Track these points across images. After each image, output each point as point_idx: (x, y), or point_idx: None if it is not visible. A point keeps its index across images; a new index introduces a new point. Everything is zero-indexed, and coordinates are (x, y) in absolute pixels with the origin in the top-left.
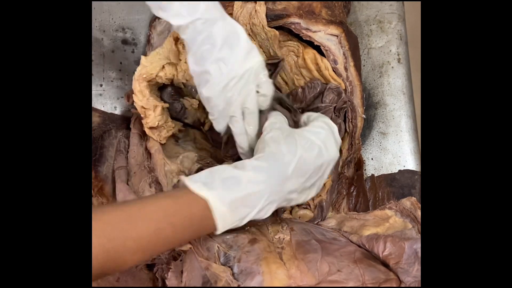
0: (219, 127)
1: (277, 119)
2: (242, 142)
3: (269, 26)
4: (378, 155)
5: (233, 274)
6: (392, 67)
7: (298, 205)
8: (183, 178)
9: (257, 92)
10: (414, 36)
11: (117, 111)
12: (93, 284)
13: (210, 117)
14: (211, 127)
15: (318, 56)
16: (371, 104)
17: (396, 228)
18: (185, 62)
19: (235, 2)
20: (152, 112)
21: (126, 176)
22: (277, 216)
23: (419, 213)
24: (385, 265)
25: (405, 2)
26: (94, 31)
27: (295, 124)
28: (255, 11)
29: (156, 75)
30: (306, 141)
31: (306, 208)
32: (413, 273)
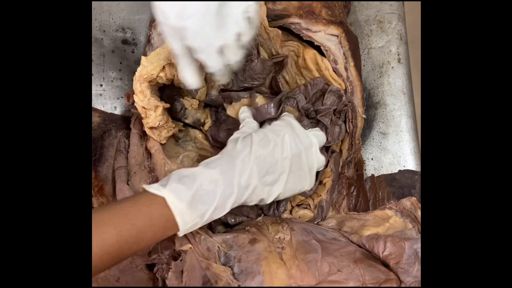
0: (212, 63)
1: (244, 129)
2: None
3: (270, 26)
4: (378, 155)
5: (233, 274)
6: (392, 67)
7: (298, 205)
8: (143, 185)
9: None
10: (414, 36)
11: (117, 111)
12: (94, 284)
13: (198, 55)
14: (211, 127)
15: (318, 56)
16: (371, 104)
17: (396, 228)
18: None
19: None
20: (153, 112)
21: (126, 176)
22: (277, 216)
23: (419, 213)
24: (385, 265)
25: (405, 2)
26: (94, 31)
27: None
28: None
29: (157, 76)
30: (262, 137)
31: (306, 208)
32: (413, 273)
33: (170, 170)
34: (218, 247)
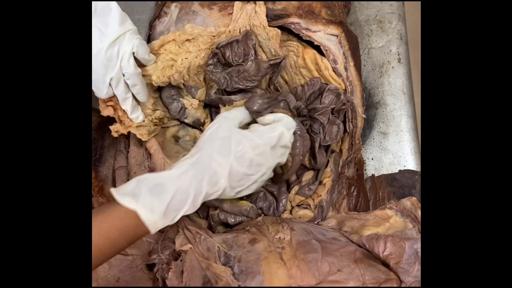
0: (100, 93)
1: (231, 114)
2: (127, 106)
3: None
4: (378, 155)
5: (233, 274)
6: (393, 67)
7: (298, 205)
8: (112, 190)
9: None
10: (414, 36)
11: None
12: (94, 284)
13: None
14: None
15: (318, 56)
16: (371, 104)
17: (396, 228)
18: (181, 64)
19: (235, 3)
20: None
21: (126, 176)
22: (277, 216)
23: (419, 213)
24: (386, 265)
25: (405, 2)
26: None
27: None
28: (255, 12)
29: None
30: (241, 147)
31: (306, 208)
32: (413, 273)
33: None
34: (218, 247)
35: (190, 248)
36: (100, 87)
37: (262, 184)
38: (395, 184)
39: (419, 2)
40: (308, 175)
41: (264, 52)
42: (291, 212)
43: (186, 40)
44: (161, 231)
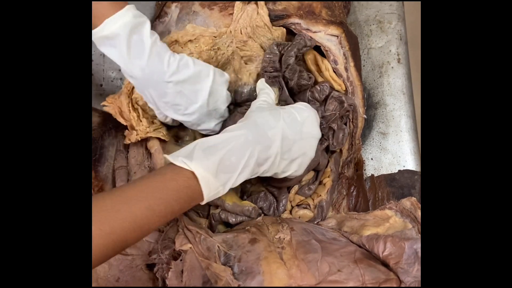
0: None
1: (265, 97)
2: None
3: None
4: (378, 155)
5: (233, 274)
6: (392, 67)
7: (298, 205)
8: (166, 156)
9: None
10: (414, 36)
11: None
12: (93, 284)
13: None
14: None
15: (318, 57)
16: (371, 104)
17: (396, 228)
18: None
19: (236, 3)
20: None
21: (126, 176)
22: (277, 216)
23: (419, 213)
24: (385, 265)
25: (405, 2)
26: None
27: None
28: (257, 13)
29: None
30: (289, 115)
31: (306, 208)
32: (413, 273)
33: None
34: (218, 247)
35: (190, 247)
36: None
37: (303, 170)
38: (394, 184)
39: (419, 2)
40: (308, 175)
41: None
42: (291, 212)
43: (189, 41)
44: (161, 230)
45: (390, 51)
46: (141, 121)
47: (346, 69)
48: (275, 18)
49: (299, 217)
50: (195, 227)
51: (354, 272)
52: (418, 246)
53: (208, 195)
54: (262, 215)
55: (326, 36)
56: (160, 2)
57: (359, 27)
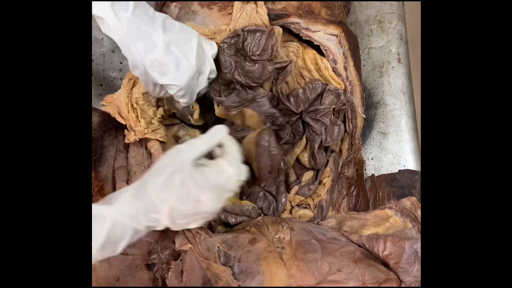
0: (190, 100)
1: (188, 147)
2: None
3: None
4: (378, 155)
5: (233, 274)
6: (392, 67)
7: (298, 205)
8: None
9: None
10: (414, 36)
11: None
12: (93, 284)
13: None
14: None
15: (318, 56)
16: (371, 104)
17: (396, 227)
18: None
19: (235, 3)
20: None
21: (126, 176)
22: (277, 216)
23: (419, 212)
24: (385, 264)
25: (405, 2)
26: (95, 31)
27: (280, 139)
28: (256, 12)
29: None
30: (185, 188)
31: (306, 207)
32: (413, 272)
33: None
34: (218, 247)
35: (190, 248)
36: (190, 98)
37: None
38: (395, 184)
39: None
40: (308, 175)
41: None
42: (291, 212)
43: None
44: (161, 230)
45: (390, 51)
46: (139, 121)
47: (346, 69)
48: (274, 18)
49: (299, 217)
50: (195, 227)
51: (354, 271)
52: (418, 245)
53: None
54: (262, 215)
55: (326, 35)
56: (159, 2)
57: (360, 27)
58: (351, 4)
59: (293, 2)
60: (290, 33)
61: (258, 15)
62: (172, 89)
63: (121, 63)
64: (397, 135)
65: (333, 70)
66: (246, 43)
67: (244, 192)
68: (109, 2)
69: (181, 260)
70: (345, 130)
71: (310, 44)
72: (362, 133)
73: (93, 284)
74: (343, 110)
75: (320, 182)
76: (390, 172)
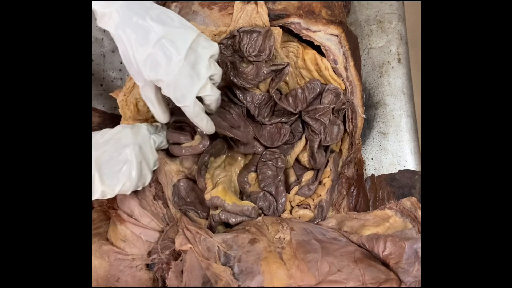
0: (193, 108)
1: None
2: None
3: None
4: (378, 155)
5: (233, 274)
6: (392, 67)
7: (298, 205)
8: None
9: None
10: (414, 36)
11: (117, 111)
12: (93, 284)
13: (179, 104)
14: None
15: (318, 56)
16: (371, 104)
17: (396, 228)
18: None
19: (235, 3)
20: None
21: None
22: (277, 216)
23: (419, 213)
24: (385, 265)
25: (405, 2)
26: (94, 31)
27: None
28: (257, 12)
29: None
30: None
31: (306, 208)
32: (413, 273)
33: (169, 170)
34: (218, 247)
35: (190, 248)
36: (190, 102)
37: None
38: (395, 184)
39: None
40: (307, 175)
41: None
42: (291, 212)
43: None
44: (161, 231)
45: (390, 51)
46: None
47: (346, 69)
48: (274, 18)
49: (299, 217)
50: (195, 227)
51: (354, 272)
52: (418, 245)
53: None
54: (262, 215)
55: (326, 35)
56: (159, 2)
57: (360, 27)
58: (351, 4)
59: (293, 2)
60: (290, 33)
61: (258, 15)
62: (162, 86)
63: (121, 63)
64: (397, 135)
65: (334, 70)
66: (242, 44)
67: (245, 192)
68: None
69: (181, 260)
70: (345, 130)
71: (310, 44)
72: (362, 133)
73: (93, 284)
74: (343, 110)
75: (320, 182)
76: (390, 172)
